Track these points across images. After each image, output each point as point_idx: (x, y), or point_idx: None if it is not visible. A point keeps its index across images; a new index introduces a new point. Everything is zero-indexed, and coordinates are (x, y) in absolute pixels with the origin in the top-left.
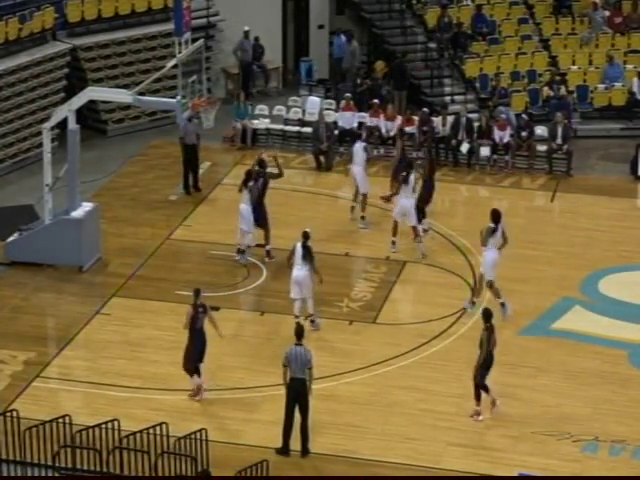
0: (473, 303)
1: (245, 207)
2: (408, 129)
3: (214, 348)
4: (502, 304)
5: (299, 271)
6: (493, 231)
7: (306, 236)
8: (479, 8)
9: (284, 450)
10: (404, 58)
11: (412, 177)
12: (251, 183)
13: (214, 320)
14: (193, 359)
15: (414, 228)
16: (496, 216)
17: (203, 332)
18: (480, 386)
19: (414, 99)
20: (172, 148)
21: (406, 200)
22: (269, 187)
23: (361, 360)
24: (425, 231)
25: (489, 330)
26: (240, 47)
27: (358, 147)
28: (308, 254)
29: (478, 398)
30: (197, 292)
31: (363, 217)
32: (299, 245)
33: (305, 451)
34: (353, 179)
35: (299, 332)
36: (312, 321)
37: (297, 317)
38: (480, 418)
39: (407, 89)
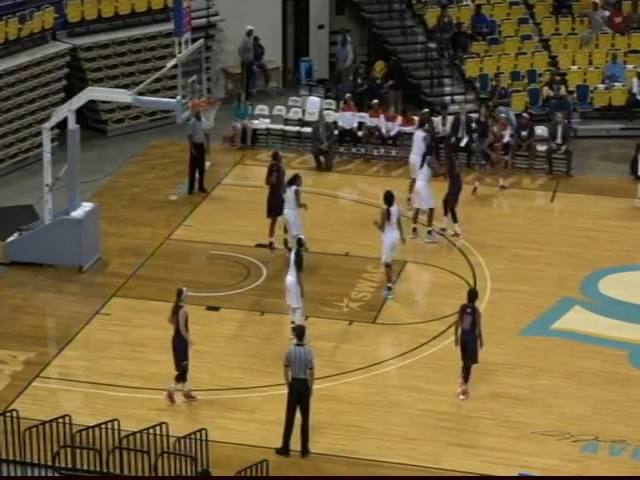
0: (389, 288)
1: (290, 212)
2: (408, 129)
3: (214, 348)
4: (389, 287)
5: (289, 276)
6: (388, 214)
7: (300, 243)
8: (479, 8)
9: (284, 450)
10: (397, 58)
11: (427, 158)
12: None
13: (181, 327)
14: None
15: (416, 211)
16: (389, 198)
17: (175, 334)
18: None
19: (414, 99)
20: (172, 148)
21: (417, 182)
22: None
23: (361, 360)
24: (457, 235)
25: (463, 310)
26: (245, 46)
27: (418, 135)
28: (298, 261)
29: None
30: (179, 293)
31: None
32: (293, 251)
33: (305, 451)
34: (412, 168)
35: (300, 332)
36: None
37: (293, 323)
38: (462, 397)
39: (403, 89)
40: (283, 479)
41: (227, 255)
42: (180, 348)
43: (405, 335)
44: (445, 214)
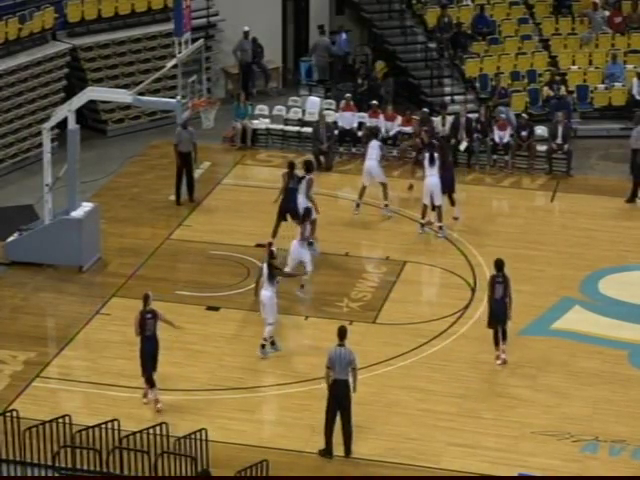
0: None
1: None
2: (407, 129)
3: (214, 348)
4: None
5: (264, 291)
6: (300, 179)
7: (271, 255)
8: (482, 8)
9: (327, 452)
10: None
11: (436, 155)
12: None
13: (167, 320)
14: (145, 367)
15: (438, 207)
16: (308, 166)
17: (152, 339)
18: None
19: (414, 99)
20: (172, 148)
21: (431, 178)
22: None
23: (361, 360)
24: (455, 218)
25: (493, 281)
26: (240, 47)
27: (374, 144)
28: (272, 273)
29: (497, 343)
30: (146, 298)
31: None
32: (265, 265)
33: (348, 452)
34: (366, 173)
35: (342, 333)
36: (262, 346)
37: (265, 340)
38: (498, 362)
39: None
40: (283, 479)
41: (227, 255)
42: (149, 353)
43: (405, 335)
44: (433, 209)
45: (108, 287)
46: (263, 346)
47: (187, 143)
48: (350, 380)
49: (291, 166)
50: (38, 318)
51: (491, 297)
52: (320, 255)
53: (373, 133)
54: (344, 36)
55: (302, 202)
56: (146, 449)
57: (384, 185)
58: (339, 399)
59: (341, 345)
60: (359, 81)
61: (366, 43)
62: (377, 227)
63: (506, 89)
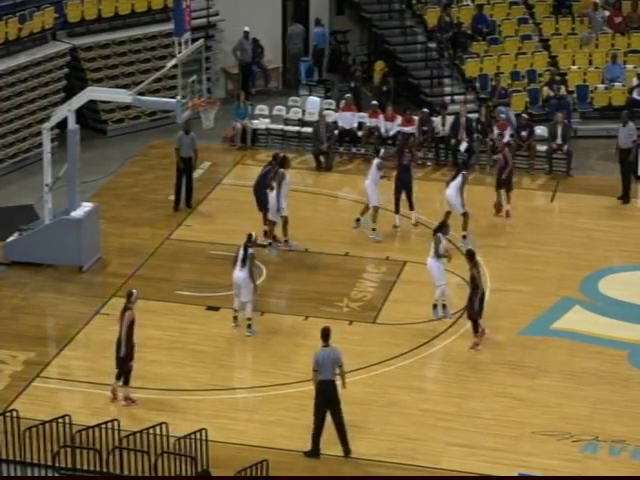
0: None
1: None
2: (407, 129)
3: (214, 348)
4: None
5: (238, 272)
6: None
7: (249, 239)
8: (480, 8)
9: (314, 452)
10: (337, 44)
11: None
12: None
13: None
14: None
15: (463, 214)
16: (274, 158)
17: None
18: (472, 318)
19: (414, 99)
20: (172, 148)
21: (448, 190)
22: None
23: (361, 360)
24: (395, 227)
25: (476, 267)
26: (240, 47)
27: (373, 162)
28: (247, 257)
29: (476, 331)
30: (129, 294)
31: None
32: (241, 247)
33: (347, 451)
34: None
35: (325, 334)
36: (248, 326)
37: (236, 311)
38: (479, 348)
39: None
40: (283, 479)
41: (227, 255)
42: (125, 348)
43: (405, 335)
44: (397, 211)
45: (108, 287)
46: (249, 326)
47: (188, 148)
48: (338, 379)
49: (274, 157)
50: (38, 318)
51: (481, 287)
52: (278, 255)
53: (376, 150)
54: (316, 29)
55: (273, 197)
56: (146, 449)
57: (374, 208)
58: (327, 400)
59: (326, 346)
60: (352, 84)
61: (366, 43)
62: (377, 227)
63: (506, 89)
